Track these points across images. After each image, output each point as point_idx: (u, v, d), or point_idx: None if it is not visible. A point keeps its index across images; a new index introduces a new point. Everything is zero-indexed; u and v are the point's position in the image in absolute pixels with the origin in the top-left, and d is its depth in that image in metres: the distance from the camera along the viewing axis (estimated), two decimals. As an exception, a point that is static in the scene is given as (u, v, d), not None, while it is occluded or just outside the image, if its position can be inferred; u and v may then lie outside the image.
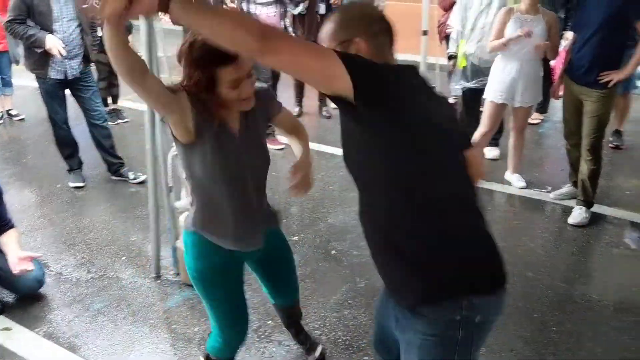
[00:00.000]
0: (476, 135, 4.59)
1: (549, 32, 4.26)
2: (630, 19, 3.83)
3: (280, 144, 5.44)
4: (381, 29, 1.60)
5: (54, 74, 4.49)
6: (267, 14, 5.11)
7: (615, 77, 3.92)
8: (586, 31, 3.94)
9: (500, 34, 4.30)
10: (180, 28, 5.34)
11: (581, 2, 4.06)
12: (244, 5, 5.13)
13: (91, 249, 3.87)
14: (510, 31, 4.24)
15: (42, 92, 4.63)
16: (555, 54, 4.41)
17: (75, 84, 4.63)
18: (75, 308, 3.28)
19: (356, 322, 3.17)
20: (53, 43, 4.29)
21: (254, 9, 5.10)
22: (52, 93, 4.60)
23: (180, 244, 3.40)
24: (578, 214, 4.20)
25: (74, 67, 4.54)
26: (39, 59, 4.43)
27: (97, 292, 3.42)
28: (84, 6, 4.60)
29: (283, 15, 5.30)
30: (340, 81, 1.35)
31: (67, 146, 4.85)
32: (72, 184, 4.77)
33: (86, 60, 4.64)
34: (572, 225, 4.17)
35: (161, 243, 3.54)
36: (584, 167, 4.16)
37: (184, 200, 3.47)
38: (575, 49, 4.06)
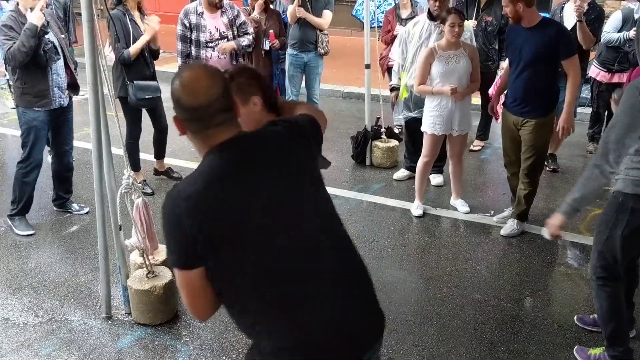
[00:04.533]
0: (419, 165, 4.75)
1: (472, 64, 4.49)
2: (559, 55, 4.07)
3: None
4: None
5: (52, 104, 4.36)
6: (217, 56, 5.11)
7: (563, 124, 4.20)
8: (518, 65, 4.17)
9: (425, 75, 4.50)
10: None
11: (512, 37, 4.26)
12: (194, 51, 5.10)
13: (38, 292, 3.77)
14: (437, 70, 4.44)
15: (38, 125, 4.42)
16: (478, 84, 4.65)
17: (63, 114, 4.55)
18: (23, 354, 3.18)
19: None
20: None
21: (204, 53, 5.08)
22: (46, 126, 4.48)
23: (131, 282, 3.38)
24: (510, 226, 4.47)
25: (62, 97, 4.45)
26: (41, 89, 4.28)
27: (45, 336, 3.33)
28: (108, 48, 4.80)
29: (235, 57, 5.30)
30: None
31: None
32: (21, 233, 4.52)
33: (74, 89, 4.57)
34: (505, 237, 4.44)
35: (111, 282, 3.49)
36: (521, 189, 4.39)
37: (134, 238, 3.45)
38: (510, 81, 4.29)
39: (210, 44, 5.08)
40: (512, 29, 4.32)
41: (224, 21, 5.15)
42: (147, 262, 3.39)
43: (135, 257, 3.62)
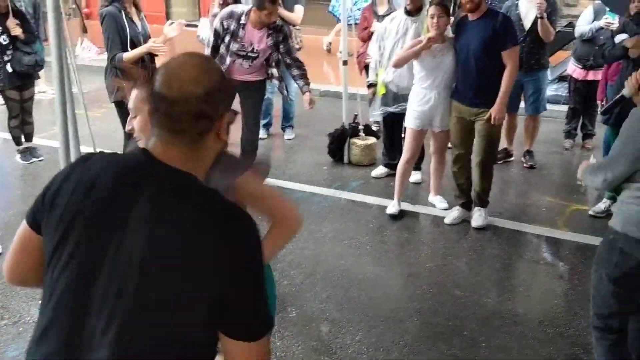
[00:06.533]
0: (400, 164, 4.70)
1: None
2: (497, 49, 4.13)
3: None
4: None
5: None
6: (240, 64, 4.83)
7: (494, 114, 4.17)
8: (467, 56, 4.20)
9: (406, 54, 4.44)
10: (95, 64, 5.17)
11: (460, 29, 4.32)
12: (222, 49, 4.75)
13: (5, 293, 3.63)
14: (422, 64, 4.40)
15: None
16: None
17: None
18: (-13, 358, 3.05)
19: (289, 353, 3.12)
20: None
21: (229, 58, 4.78)
22: None
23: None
24: (478, 216, 4.50)
25: None
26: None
27: (12, 339, 3.20)
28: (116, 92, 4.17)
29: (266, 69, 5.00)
30: None
31: None
32: None
33: None
34: (476, 229, 4.44)
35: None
36: (478, 183, 4.46)
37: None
38: (460, 73, 4.30)
39: (239, 52, 4.77)
40: (459, 23, 4.38)
41: (267, 42, 4.76)
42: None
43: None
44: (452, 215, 4.60)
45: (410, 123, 4.61)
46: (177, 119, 1.29)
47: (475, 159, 4.42)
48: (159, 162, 1.30)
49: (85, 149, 3.28)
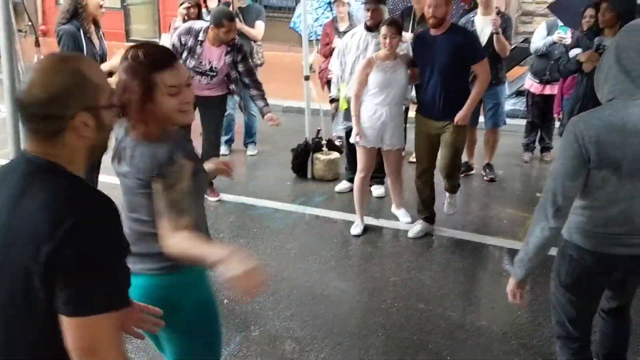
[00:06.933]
0: (356, 181, 4.66)
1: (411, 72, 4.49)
2: (466, 63, 4.23)
3: (216, 195, 5.24)
4: None
5: None
6: (198, 80, 4.77)
7: (459, 117, 4.22)
8: (432, 71, 4.24)
9: (361, 84, 4.44)
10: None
11: (421, 44, 4.36)
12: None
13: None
14: (375, 80, 4.39)
15: None
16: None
17: None
18: None
19: (253, 371, 3.05)
20: None
21: None
22: None
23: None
24: (448, 203, 4.77)
25: None
26: None
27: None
28: None
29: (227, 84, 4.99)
30: None
31: None
32: None
33: None
34: (446, 245, 4.51)
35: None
36: (447, 185, 4.61)
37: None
38: (425, 88, 4.32)
39: (197, 69, 4.72)
40: (420, 37, 4.43)
41: (226, 59, 4.73)
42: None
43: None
44: (416, 229, 4.61)
45: (365, 142, 4.54)
46: (29, 120, 1.39)
47: (441, 170, 4.45)
48: (29, 154, 1.41)
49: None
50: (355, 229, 4.67)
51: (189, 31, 4.70)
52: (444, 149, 4.37)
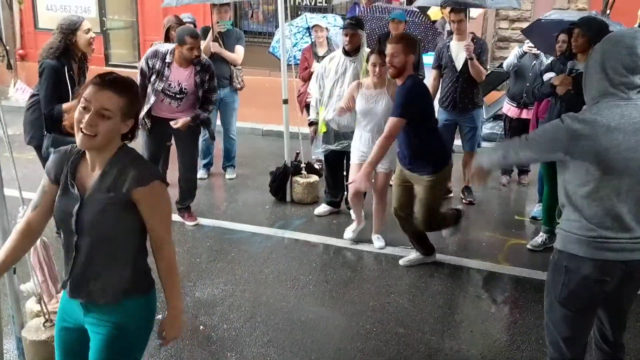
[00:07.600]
0: (350, 192, 4.68)
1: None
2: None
3: (194, 219, 5.18)
4: None
5: None
6: (169, 102, 4.76)
7: (352, 180, 4.16)
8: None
9: (349, 100, 4.56)
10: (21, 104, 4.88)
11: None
12: (149, 88, 4.70)
13: None
14: (358, 106, 4.50)
15: None
16: None
17: None
18: None
19: (229, 399, 2.98)
20: None
21: (154, 97, 4.70)
22: None
23: (26, 333, 3.05)
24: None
25: None
26: None
27: None
28: None
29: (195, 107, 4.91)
30: None
31: None
32: None
33: None
34: (421, 271, 4.42)
35: (4, 334, 3.14)
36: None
37: (30, 283, 3.14)
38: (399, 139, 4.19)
39: (166, 92, 4.69)
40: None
41: (195, 79, 4.71)
42: (45, 309, 3.08)
43: (31, 305, 3.29)
44: (411, 257, 4.53)
45: (354, 159, 4.69)
46: None
47: (418, 225, 4.31)
48: None
49: (11, 191, 3.12)
50: (349, 233, 4.88)
51: (155, 54, 4.71)
52: (418, 204, 4.22)
